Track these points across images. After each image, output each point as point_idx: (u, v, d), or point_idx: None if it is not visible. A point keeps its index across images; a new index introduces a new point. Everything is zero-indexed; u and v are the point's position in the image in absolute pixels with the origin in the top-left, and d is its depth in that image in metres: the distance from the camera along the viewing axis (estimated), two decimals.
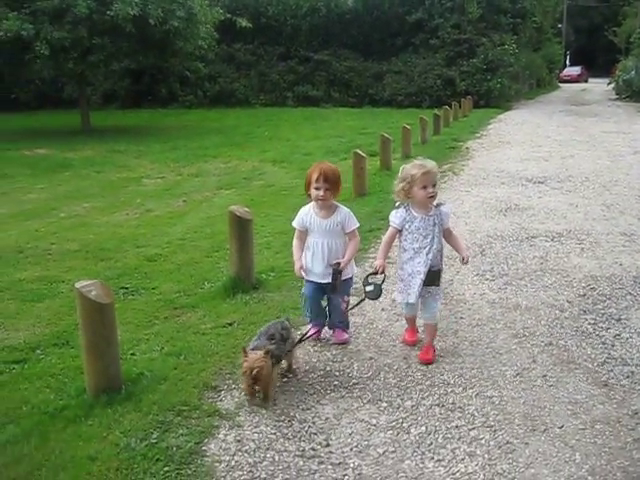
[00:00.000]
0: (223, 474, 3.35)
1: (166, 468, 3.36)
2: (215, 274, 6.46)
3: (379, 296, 4.60)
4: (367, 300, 4.68)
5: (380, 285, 4.54)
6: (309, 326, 4.84)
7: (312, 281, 4.75)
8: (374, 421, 3.86)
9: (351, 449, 3.59)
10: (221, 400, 4.06)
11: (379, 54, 34.72)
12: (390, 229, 4.60)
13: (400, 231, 4.57)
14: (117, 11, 18.59)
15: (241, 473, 3.36)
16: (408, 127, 14.65)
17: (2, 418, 3.88)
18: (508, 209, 9.35)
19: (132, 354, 4.72)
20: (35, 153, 16.66)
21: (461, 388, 4.22)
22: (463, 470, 3.39)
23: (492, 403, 4.03)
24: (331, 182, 4.55)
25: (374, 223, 8.11)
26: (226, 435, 3.69)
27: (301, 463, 3.46)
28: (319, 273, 4.68)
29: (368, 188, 10.51)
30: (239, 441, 3.61)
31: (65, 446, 3.55)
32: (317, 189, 4.57)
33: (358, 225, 4.72)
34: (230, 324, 5.19)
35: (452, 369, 4.47)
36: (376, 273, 4.53)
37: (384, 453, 3.55)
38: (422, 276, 4.47)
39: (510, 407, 3.98)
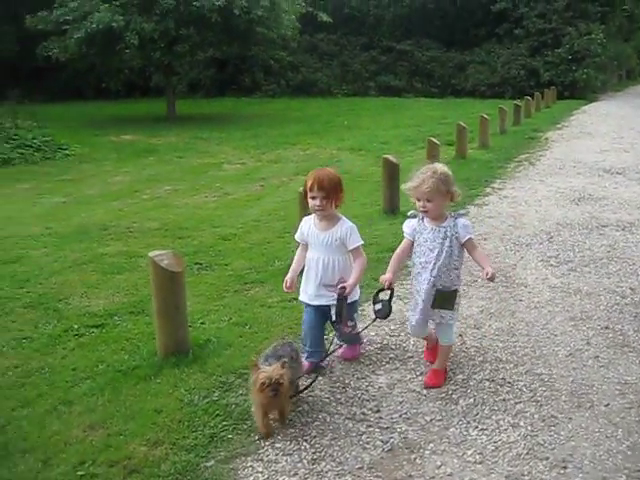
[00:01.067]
0: (276, 431, 3.60)
1: (224, 423, 3.65)
2: (285, 253, 6.70)
3: (388, 315, 4.19)
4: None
5: (388, 302, 4.14)
6: (304, 361, 4.22)
7: (308, 303, 4.26)
8: (425, 392, 4.03)
9: (400, 416, 3.78)
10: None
11: (462, 44, 34.49)
12: (404, 240, 4.18)
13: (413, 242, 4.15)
14: (203, 2, 19.15)
15: (293, 430, 3.62)
16: (486, 117, 14.60)
17: (81, 374, 4.25)
18: (581, 198, 9.29)
19: (202, 323, 5.03)
20: (122, 139, 17.35)
21: (512, 365, 4.35)
22: (505, 439, 3.53)
23: (541, 380, 4.15)
24: (327, 190, 4.04)
25: None
26: None
27: (350, 425, 3.68)
28: (310, 294, 4.20)
29: None
30: (293, 403, 3.84)
31: (134, 400, 3.89)
32: (313, 198, 4.07)
33: (362, 243, 4.17)
34: (295, 299, 5.43)
35: (505, 347, 4.59)
36: (384, 289, 4.13)
37: (431, 421, 3.73)
38: (422, 296, 4.04)
39: (558, 384, 4.09)
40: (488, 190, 9.96)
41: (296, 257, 4.31)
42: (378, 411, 3.83)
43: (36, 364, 4.42)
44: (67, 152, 14.27)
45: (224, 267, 6.45)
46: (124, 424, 3.64)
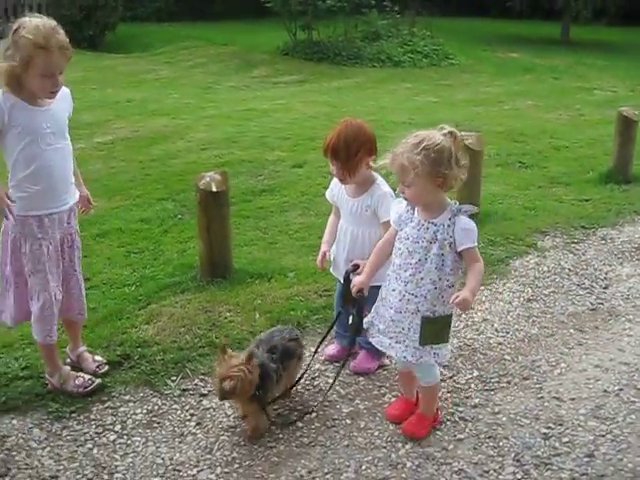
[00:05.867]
0: (515, 275, 4.60)
1: None
2: (602, 166, 7.27)
3: (358, 331, 3.24)
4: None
5: (357, 314, 3.18)
6: (332, 345, 3.76)
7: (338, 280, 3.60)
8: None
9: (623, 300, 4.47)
10: (541, 241, 5.26)
11: None
12: (390, 228, 3.10)
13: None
14: None
15: (525, 279, 4.61)
16: None
17: None
18: None
19: (499, 203, 6.05)
20: (507, 56, 18.16)
21: None
22: None
23: None
24: (343, 159, 3.27)
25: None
26: (530, 259, 4.93)
27: (576, 290, 4.51)
28: (341, 269, 3.47)
29: None
30: (538, 265, 4.78)
31: None
32: (331, 164, 3.38)
33: None
34: (587, 200, 6.17)
35: None
36: (361, 294, 3.12)
37: None
38: (390, 312, 2.97)
39: None
40: None
41: (329, 223, 3.63)
42: (605, 288, 4.59)
43: None
44: (452, 61, 15.64)
45: (542, 168, 7.31)
46: None
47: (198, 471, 2.90)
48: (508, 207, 5.91)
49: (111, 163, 7.53)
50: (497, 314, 4.20)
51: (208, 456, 2.99)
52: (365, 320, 3.13)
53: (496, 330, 4.02)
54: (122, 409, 3.29)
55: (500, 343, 3.88)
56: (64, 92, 3.23)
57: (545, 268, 4.81)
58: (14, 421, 3.19)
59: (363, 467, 2.92)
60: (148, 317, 4.09)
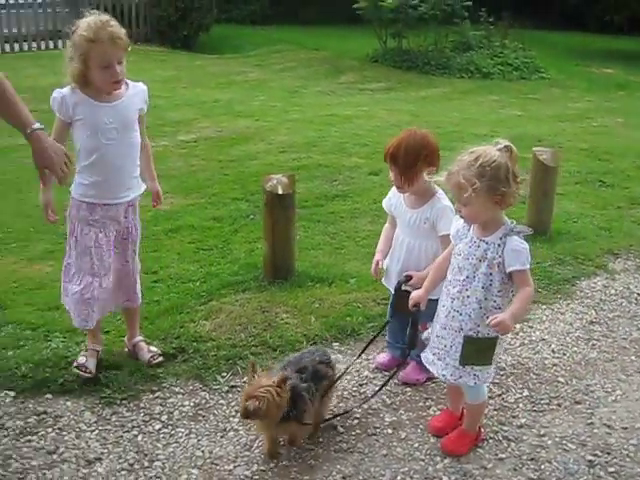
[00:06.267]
0: (580, 295, 4.53)
1: None
2: None
3: (413, 347, 3.24)
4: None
5: (413, 331, 3.19)
6: (384, 353, 3.77)
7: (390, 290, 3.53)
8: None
9: None
10: (612, 263, 5.13)
11: None
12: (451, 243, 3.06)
13: None
14: None
15: (590, 301, 4.55)
16: None
17: None
18: None
19: (574, 221, 5.92)
20: (601, 72, 17.62)
21: None
22: None
23: None
24: (401, 166, 3.25)
25: None
26: (598, 281, 4.82)
27: None
28: (393, 280, 3.44)
29: None
30: (605, 287, 4.66)
31: None
32: (390, 170, 3.38)
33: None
34: None
35: None
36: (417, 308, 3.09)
37: None
38: (437, 327, 2.99)
39: None
40: None
41: (383, 233, 3.62)
42: None
43: None
44: (543, 75, 15.30)
45: (623, 188, 7.06)
46: None
47: (235, 467, 2.96)
48: (582, 226, 5.77)
49: (191, 161, 7.73)
50: (556, 334, 4.12)
51: (246, 453, 3.05)
52: (424, 333, 3.12)
53: (553, 351, 3.94)
54: (171, 400, 3.39)
55: (555, 364, 3.80)
56: (138, 88, 3.39)
57: (612, 291, 4.68)
58: (68, 403, 3.34)
59: (398, 478, 2.92)
60: (207, 313, 4.19)
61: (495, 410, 3.38)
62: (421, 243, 3.34)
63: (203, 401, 3.40)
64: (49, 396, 3.38)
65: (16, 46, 15.23)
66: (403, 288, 3.25)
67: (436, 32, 15.40)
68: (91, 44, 3.06)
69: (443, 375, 2.96)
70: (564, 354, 3.91)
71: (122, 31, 3.17)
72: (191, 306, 4.30)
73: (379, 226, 5.66)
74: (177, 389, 3.48)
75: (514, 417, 3.34)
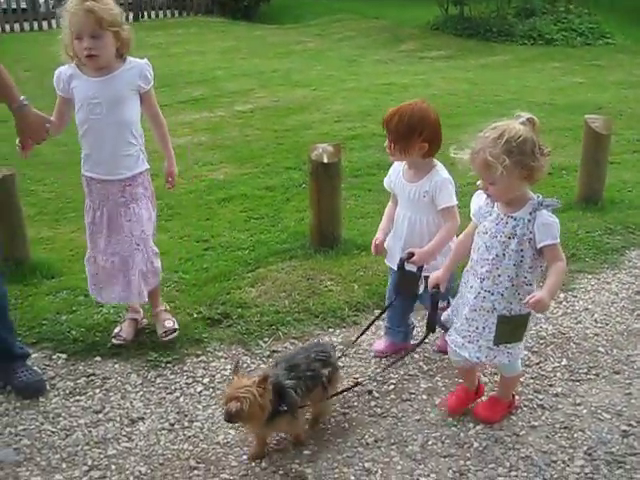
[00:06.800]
0: (628, 265, 4.52)
1: None
2: None
3: (432, 330, 3.15)
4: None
5: (433, 313, 3.09)
6: (380, 340, 3.69)
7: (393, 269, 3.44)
8: None
9: None
10: None
11: None
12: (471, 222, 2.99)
13: None
14: None
15: (638, 271, 4.48)
16: None
17: None
18: None
19: (629, 190, 5.82)
20: None
21: None
22: None
23: None
24: (395, 135, 3.15)
25: None
26: None
27: None
28: (396, 259, 3.30)
29: None
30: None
31: None
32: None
33: (455, 203, 3.21)
34: None
35: None
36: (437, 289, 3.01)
37: None
38: (466, 309, 2.90)
39: None
40: None
41: (386, 211, 3.49)
42: None
43: None
44: (608, 41, 14.82)
45: None
46: None
47: None
48: (637, 195, 5.64)
49: (247, 131, 7.84)
50: (600, 304, 4.08)
51: None
52: (444, 314, 3.08)
53: (595, 321, 3.91)
54: (213, 364, 3.51)
55: (597, 334, 3.77)
56: (134, 63, 3.34)
57: None
58: (116, 365, 3.50)
59: (429, 442, 2.97)
60: (254, 280, 4.30)
61: (532, 378, 3.38)
62: (422, 218, 3.25)
63: (244, 365, 3.49)
64: (98, 359, 3.55)
65: None
66: (407, 269, 3.19)
67: None
68: (67, 14, 3.15)
69: (477, 357, 2.90)
70: (606, 324, 3.88)
71: (104, 7, 3.13)
72: (238, 273, 4.41)
73: None
74: (220, 353, 3.59)
75: (550, 386, 3.34)
